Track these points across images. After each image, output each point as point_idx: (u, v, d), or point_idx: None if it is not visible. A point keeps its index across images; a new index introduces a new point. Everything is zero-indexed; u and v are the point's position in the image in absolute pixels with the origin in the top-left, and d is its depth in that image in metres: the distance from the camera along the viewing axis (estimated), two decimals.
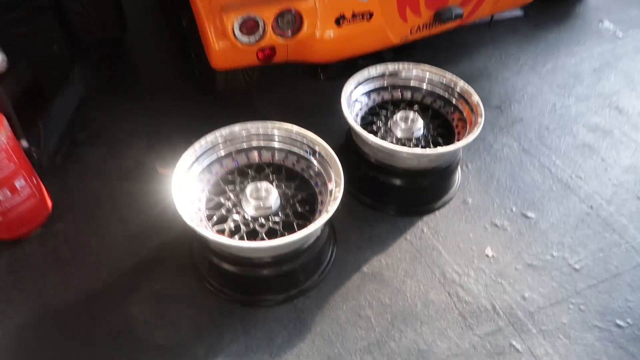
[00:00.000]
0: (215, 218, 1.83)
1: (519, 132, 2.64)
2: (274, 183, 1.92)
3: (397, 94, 2.35)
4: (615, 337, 1.86)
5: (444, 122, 2.26)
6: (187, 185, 1.82)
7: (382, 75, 2.29)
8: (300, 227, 1.79)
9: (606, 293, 1.99)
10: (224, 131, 1.94)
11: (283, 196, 1.89)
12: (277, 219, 1.82)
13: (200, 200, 1.87)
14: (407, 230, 2.16)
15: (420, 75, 2.31)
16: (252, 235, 1.78)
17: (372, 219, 2.19)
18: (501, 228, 2.19)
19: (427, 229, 2.17)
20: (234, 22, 1.95)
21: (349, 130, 2.25)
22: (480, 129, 2.03)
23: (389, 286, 1.97)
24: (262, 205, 1.81)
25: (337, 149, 2.25)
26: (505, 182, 2.39)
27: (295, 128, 1.95)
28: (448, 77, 2.26)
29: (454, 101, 2.25)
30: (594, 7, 3.53)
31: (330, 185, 1.84)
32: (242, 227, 1.79)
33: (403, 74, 2.32)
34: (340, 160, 1.84)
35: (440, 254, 2.09)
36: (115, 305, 1.88)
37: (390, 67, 2.29)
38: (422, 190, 2.20)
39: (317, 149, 1.91)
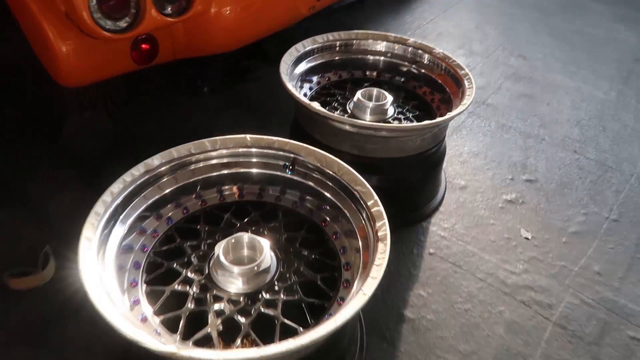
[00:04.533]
0: (182, 324, 0.97)
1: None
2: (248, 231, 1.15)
3: (345, 74, 1.74)
4: None
5: (412, 96, 1.71)
6: (109, 288, 0.94)
7: (327, 49, 1.67)
8: (325, 290, 1.06)
9: None
10: (136, 172, 1.10)
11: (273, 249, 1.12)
12: (283, 285, 1.06)
13: (139, 302, 1.00)
14: (425, 242, 1.56)
15: (373, 46, 1.76)
16: (265, 328, 0.98)
17: None
18: (517, 202, 1.74)
19: (444, 232, 1.60)
20: None
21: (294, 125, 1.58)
22: (474, 91, 1.52)
23: (449, 325, 1.33)
24: (255, 269, 1.03)
25: None
26: (485, 152, 1.96)
27: (275, 139, 1.21)
28: (411, 42, 1.73)
29: (421, 72, 1.73)
30: None
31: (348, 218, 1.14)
32: (240, 319, 0.98)
33: (350, 46, 1.74)
34: None
35: (480, 257, 1.53)
36: None
37: (331, 37, 1.68)
38: (419, 185, 1.62)
39: (321, 165, 1.17)
